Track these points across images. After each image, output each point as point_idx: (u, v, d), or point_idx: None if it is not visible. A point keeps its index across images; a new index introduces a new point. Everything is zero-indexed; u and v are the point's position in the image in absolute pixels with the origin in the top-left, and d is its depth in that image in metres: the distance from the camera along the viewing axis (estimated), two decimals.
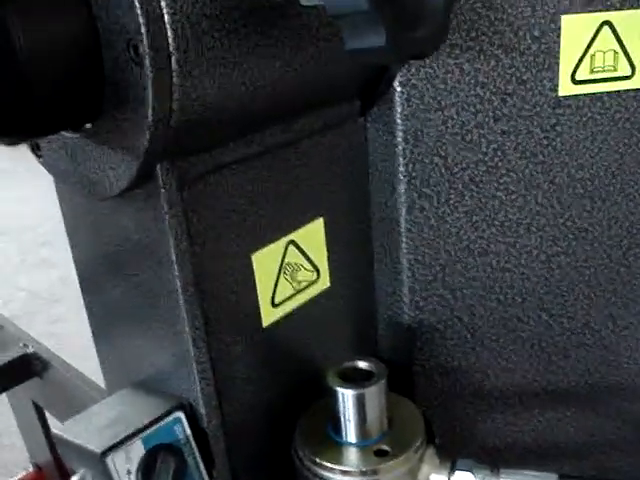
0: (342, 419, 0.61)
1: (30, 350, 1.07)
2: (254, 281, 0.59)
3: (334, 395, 0.60)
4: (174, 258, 0.52)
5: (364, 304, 0.70)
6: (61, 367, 1.06)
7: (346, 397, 0.60)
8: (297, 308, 0.63)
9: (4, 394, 1.13)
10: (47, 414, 1.15)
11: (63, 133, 0.52)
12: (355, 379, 0.61)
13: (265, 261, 0.59)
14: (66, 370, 1.05)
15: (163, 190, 0.50)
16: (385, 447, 0.60)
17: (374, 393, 0.60)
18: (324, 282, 0.65)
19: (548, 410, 0.77)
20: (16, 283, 2.93)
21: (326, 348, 0.67)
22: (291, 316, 0.63)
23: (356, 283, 0.69)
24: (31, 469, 1.27)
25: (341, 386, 0.59)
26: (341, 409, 0.60)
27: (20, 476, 1.27)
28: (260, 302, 0.60)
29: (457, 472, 0.61)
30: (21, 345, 1.07)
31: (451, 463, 0.62)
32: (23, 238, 3.36)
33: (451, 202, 0.66)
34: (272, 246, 0.59)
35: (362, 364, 0.63)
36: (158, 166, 0.49)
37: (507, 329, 0.72)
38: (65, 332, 2.51)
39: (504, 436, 0.77)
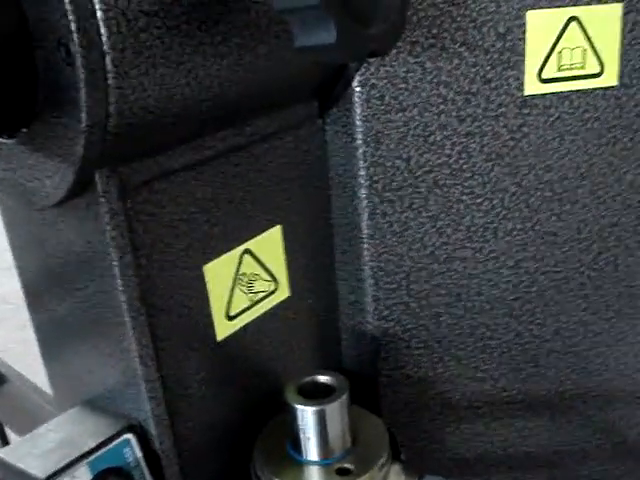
0: (302, 436, 0.58)
1: None
2: (206, 294, 0.55)
3: (293, 412, 0.57)
4: (117, 271, 0.48)
5: (326, 314, 0.68)
6: (17, 380, 1.02)
7: (305, 414, 0.57)
8: (254, 320, 0.60)
9: None
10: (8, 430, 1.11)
11: None
12: (315, 394, 0.58)
13: (218, 272, 0.56)
14: (22, 384, 1.01)
15: (103, 199, 0.46)
16: (348, 465, 0.57)
17: (335, 409, 0.57)
18: (283, 292, 0.62)
19: (519, 419, 0.74)
20: None
21: (287, 361, 0.64)
22: (248, 329, 0.60)
23: (317, 292, 0.66)
24: None
25: (300, 403, 0.56)
26: (301, 426, 0.57)
27: None
28: (214, 315, 0.57)
29: None
30: None
31: (418, 477, 0.59)
32: None
33: (415, 207, 0.63)
34: (226, 256, 0.56)
35: (322, 378, 0.60)
36: (97, 174, 0.45)
37: (475, 337, 0.69)
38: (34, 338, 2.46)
39: (474, 447, 0.74)
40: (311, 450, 0.58)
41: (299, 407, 0.57)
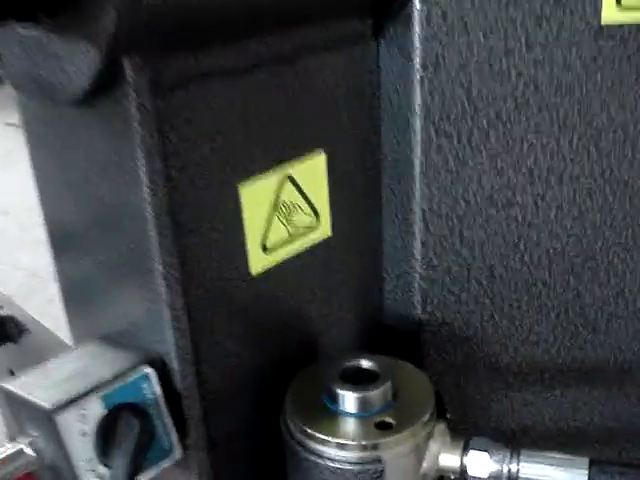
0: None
1: (4, 312, 0.98)
2: (241, 218, 0.50)
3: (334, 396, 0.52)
4: (144, 179, 0.43)
5: (369, 260, 0.62)
6: (39, 332, 0.97)
7: (347, 400, 0.52)
8: (292, 257, 0.55)
9: None
10: None
11: (20, 30, 0.44)
12: (358, 379, 0.53)
13: (256, 195, 0.50)
14: (45, 336, 0.96)
15: (133, 92, 0.41)
16: (388, 419, 0.52)
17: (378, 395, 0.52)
18: (324, 230, 0.57)
19: (572, 390, 0.68)
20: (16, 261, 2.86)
21: (324, 308, 0.59)
22: (285, 266, 0.54)
23: (361, 234, 0.60)
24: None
25: (342, 388, 0.52)
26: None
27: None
28: (248, 245, 0.51)
29: (471, 452, 0.53)
30: None
31: (464, 442, 0.53)
32: (23, 217, 3.29)
33: (473, 142, 0.57)
34: (264, 178, 0.51)
35: (366, 363, 0.54)
36: (127, 60, 0.40)
37: (531, 295, 0.63)
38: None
39: (521, 418, 0.68)
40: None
41: (340, 393, 0.52)
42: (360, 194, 0.59)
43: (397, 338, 0.64)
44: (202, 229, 0.48)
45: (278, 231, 0.53)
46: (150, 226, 0.44)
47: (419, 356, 0.64)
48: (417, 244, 0.60)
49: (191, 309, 0.48)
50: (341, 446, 0.50)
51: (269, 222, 0.52)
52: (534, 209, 0.60)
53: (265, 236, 0.52)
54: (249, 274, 0.52)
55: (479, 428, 0.68)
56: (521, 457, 0.52)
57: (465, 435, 0.54)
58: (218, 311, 0.51)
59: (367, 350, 0.61)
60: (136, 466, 0.46)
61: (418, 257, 0.60)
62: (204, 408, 0.51)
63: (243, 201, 0.50)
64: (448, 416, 0.55)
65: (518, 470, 0.52)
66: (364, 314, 0.63)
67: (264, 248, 0.53)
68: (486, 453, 0.52)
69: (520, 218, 0.60)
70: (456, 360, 0.64)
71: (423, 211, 0.58)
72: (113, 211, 0.47)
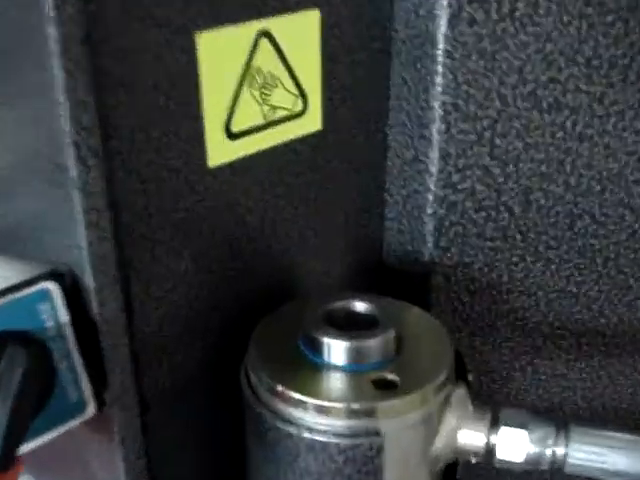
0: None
1: None
2: (198, 81, 0.35)
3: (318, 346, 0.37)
4: None
5: (370, 171, 0.47)
6: None
7: (334, 350, 0.37)
8: (267, 152, 0.40)
9: None
10: None
11: None
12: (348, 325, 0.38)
13: (219, 52, 0.35)
14: None
15: None
16: (390, 376, 0.37)
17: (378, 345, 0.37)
18: (313, 120, 0.42)
19: (614, 360, 0.54)
20: None
21: (306, 230, 0.44)
22: (257, 163, 0.40)
23: (362, 134, 0.45)
24: None
25: (328, 335, 0.37)
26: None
27: None
28: (206, 123, 0.36)
29: (503, 429, 0.38)
30: None
31: (492, 413, 0.39)
32: None
33: (517, 15, 0.43)
34: (233, 30, 0.36)
35: (360, 306, 0.40)
36: None
37: (574, 231, 0.49)
38: None
39: (547, 393, 0.54)
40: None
41: (326, 341, 0.37)
42: (363, 78, 0.44)
43: (398, 281, 0.49)
44: (139, 87, 0.33)
45: (249, 110, 0.38)
46: (54, 61, 0.29)
47: (425, 305, 0.49)
48: (433, 153, 0.45)
49: (118, 204, 0.33)
50: (324, 410, 0.35)
51: (237, 95, 0.37)
52: (589, 115, 0.46)
53: (230, 115, 0.37)
54: (205, 166, 0.37)
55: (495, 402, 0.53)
56: (570, 435, 0.38)
57: (493, 405, 0.39)
58: (159, 213, 0.36)
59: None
60: (21, 418, 0.31)
61: (434, 171, 0.45)
62: (133, 350, 0.36)
63: (201, 56, 0.35)
64: (469, 379, 0.40)
65: (566, 454, 0.37)
66: (357, 246, 0.48)
67: (228, 132, 0.38)
68: (523, 430, 0.38)
69: (570, 126, 0.46)
70: (472, 314, 0.50)
71: (444, 106, 0.44)
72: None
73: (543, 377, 0.53)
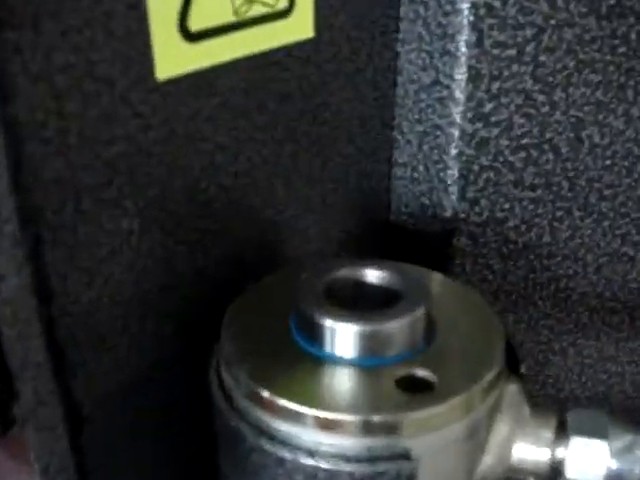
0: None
1: None
2: None
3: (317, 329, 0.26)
4: None
5: (375, 99, 0.36)
6: None
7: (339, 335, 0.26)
8: (240, 63, 0.29)
9: None
10: None
11: None
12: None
13: None
14: None
15: None
16: (422, 373, 0.26)
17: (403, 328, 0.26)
18: (302, 23, 0.31)
19: None
20: None
21: (296, 175, 0.33)
22: (227, 78, 0.28)
23: (367, 49, 0.34)
24: None
25: (330, 316, 0.26)
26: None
27: None
28: (150, 13, 0.25)
29: (574, 439, 0.28)
30: None
31: (556, 417, 0.28)
32: None
33: None
34: None
35: (374, 275, 0.29)
36: None
37: (635, 177, 0.38)
38: None
39: (592, 379, 0.44)
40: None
41: (329, 324, 0.26)
42: None
43: (411, 243, 0.39)
44: None
45: (213, 1, 0.27)
46: None
47: (446, 273, 0.38)
48: (460, 73, 0.34)
49: (17, 124, 0.22)
50: (330, 425, 0.25)
51: None
52: None
53: (186, 6, 0.26)
54: (152, 78, 0.26)
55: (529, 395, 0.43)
56: None
57: (557, 406, 0.29)
58: (82, 144, 0.24)
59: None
60: None
61: (460, 98, 0.34)
62: (53, 344, 0.25)
63: None
64: (522, 371, 0.30)
65: None
66: (360, 200, 0.37)
67: (185, 31, 0.26)
68: (602, 440, 0.27)
69: (636, 38, 0.35)
70: (505, 285, 0.39)
71: (475, 9, 0.33)
72: None
73: (587, 360, 0.43)
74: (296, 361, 0.27)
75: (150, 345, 0.29)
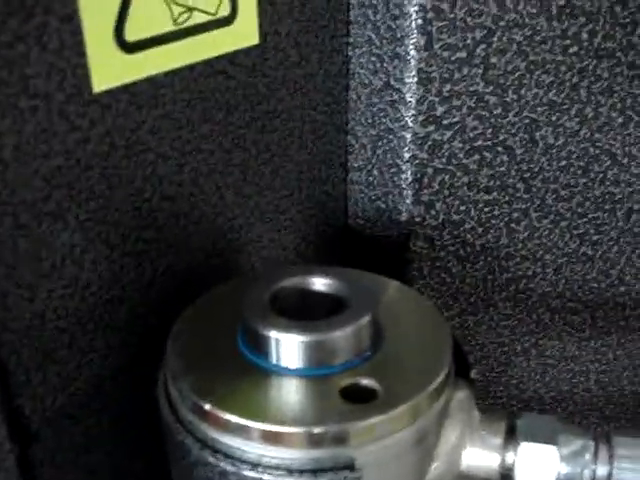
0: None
1: None
2: None
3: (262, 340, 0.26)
4: None
5: (325, 103, 0.36)
6: None
7: (284, 346, 0.26)
8: (180, 73, 0.28)
9: None
10: None
11: None
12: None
13: None
14: None
15: None
16: (366, 382, 0.26)
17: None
18: (246, 30, 0.30)
19: (636, 337, 0.44)
20: None
21: (246, 183, 0.33)
22: (169, 89, 0.28)
23: (313, 52, 0.34)
24: None
25: (275, 327, 0.26)
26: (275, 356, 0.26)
27: None
28: (84, 23, 0.25)
29: (524, 444, 0.28)
30: None
31: (506, 421, 0.28)
32: None
33: None
34: None
35: (320, 283, 0.29)
36: None
37: (590, 177, 0.38)
38: None
39: (555, 379, 0.44)
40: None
41: (273, 335, 0.25)
42: None
43: (368, 248, 0.38)
44: None
45: (151, 10, 0.26)
46: None
47: (404, 279, 0.38)
48: (410, 77, 0.34)
49: None
50: (274, 437, 0.24)
51: None
52: (610, 23, 0.35)
53: (122, 15, 0.26)
54: (89, 91, 0.26)
55: (492, 394, 0.43)
56: (614, 450, 0.27)
57: (504, 409, 0.29)
58: (19, 159, 0.24)
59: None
60: None
61: (411, 101, 0.34)
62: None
63: None
64: (473, 375, 0.30)
65: (610, 475, 0.27)
66: (315, 206, 0.37)
67: (121, 42, 0.26)
68: (551, 446, 0.27)
69: (586, 38, 0.35)
70: (463, 287, 0.39)
71: (423, 12, 0.32)
72: None
73: (550, 361, 0.43)
74: (241, 373, 0.26)
75: (98, 358, 0.29)
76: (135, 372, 0.30)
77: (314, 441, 0.24)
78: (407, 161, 0.35)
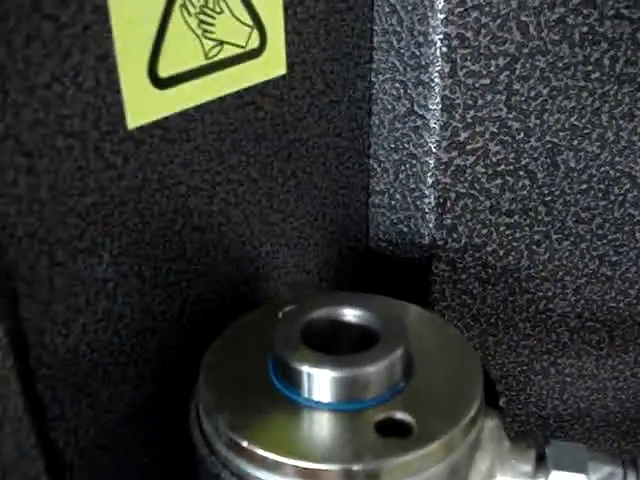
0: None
1: None
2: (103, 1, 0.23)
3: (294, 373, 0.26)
4: None
5: (350, 131, 0.36)
6: None
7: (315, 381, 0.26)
8: (210, 106, 0.28)
9: None
10: None
11: None
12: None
13: None
14: None
15: None
16: (401, 415, 0.26)
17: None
18: (275, 61, 0.30)
19: None
20: None
21: (272, 211, 0.33)
22: (199, 122, 0.28)
23: (338, 79, 0.34)
24: None
25: (305, 362, 0.26)
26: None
27: None
28: (119, 62, 0.25)
29: (554, 473, 0.28)
30: None
31: (536, 449, 0.29)
32: None
33: None
34: None
35: (351, 314, 0.29)
36: None
37: (610, 200, 0.39)
38: None
39: (574, 397, 0.44)
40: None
41: (305, 370, 0.26)
42: (339, 5, 0.33)
43: (390, 271, 0.39)
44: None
45: (183, 46, 0.27)
46: None
47: (426, 301, 0.38)
48: (434, 103, 0.34)
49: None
50: (309, 474, 0.25)
51: (164, 24, 0.26)
52: (632, 49, 0.35)
53: (155, 53, 0.26)
54: (123, 127, 0.26)
55: (511, 412, 0.43)
56: None
57: (536, 438, 0.29)
58: (55, 199, 0.24)
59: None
60: None
61: (435, 127, 0.34)
62: (30, 396, 0.25)
63: None
64: (501, 404, 0.30)
65: None
66: (338, 230, 0.37)
67: (154, 78, 0.26)
68: (581, 474, 0.28)
69: (608, 64, 0.35)
70: (484, 308, 0.39)
71: (448, 40, 0.33)
72: None
73: (568, 379, 0.43)
74: (275, 407, 0.27)
75: (130, 389, 0.29)
76: (166, 402, 0.30)
77: (350, 477, 0.25)
78: (430, 186, 0.35)
